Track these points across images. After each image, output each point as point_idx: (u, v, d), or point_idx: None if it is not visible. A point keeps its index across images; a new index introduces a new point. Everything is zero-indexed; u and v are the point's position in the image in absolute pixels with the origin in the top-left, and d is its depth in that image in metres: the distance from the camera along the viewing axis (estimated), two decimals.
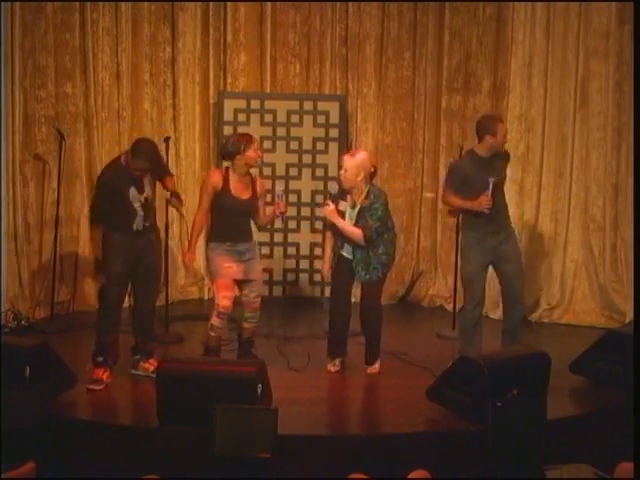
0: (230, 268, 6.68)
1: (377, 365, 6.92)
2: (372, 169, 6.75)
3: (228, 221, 6.69)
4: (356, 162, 6.65)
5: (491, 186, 6.63)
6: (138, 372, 6.71)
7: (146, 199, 6.57)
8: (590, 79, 8.52)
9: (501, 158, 6.86)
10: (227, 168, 6.78)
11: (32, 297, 8.32)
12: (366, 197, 6.68)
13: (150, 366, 6.63)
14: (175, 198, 6.82)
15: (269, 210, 6.98)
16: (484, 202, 6.62)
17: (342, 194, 6.77)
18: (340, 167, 6.75)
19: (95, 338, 6.60)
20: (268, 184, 7.94)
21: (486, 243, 6.74)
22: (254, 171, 7.04)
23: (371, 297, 6.87)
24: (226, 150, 6.76)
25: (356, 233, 6.67)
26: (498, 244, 6.77)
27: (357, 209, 6.70)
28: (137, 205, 6.51)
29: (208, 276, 6.96)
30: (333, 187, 6.80)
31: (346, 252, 6.80)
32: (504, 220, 6.86)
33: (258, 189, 6.80)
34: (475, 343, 6.77)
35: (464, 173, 6.75)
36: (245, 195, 6.73)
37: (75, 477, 5.47)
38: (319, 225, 8.93)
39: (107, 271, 6.51)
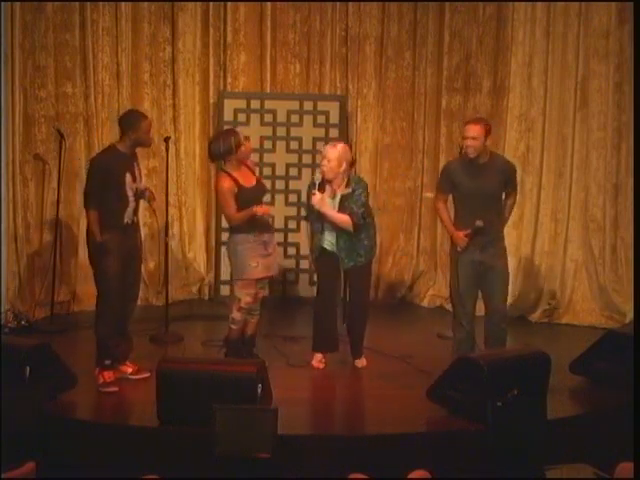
0: (256, 268, 6.66)
1: (363, 358, 6.96)
2: (352, 159, 6.82)
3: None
4: (338, 152, 6.68)
5: (475, 228, 6.45)
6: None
7: (137, 190, 6.45)
8: (590, 79, 8.52)
9: (500, 169, 6.61)
10: (226, 170, 6.74)
11: (32, 297, 8.32)
12: (347, 185, 6.71)
13: (128, 368, 6.55)
14: (148, 192, 6.61)
15: None
16: (459, 241, 6.54)
17: (322, 184, 6.74)
18: (323, 157, 6.74)
19: (97, 342, 6.46)
20: (268, 184, 7.91)
21: (473, 256, 6.56)
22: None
23: (359, 290, 6.89)
24: (218, 152, 6.71)
25: (345, 220, 6.67)
26: (485, 259, 6.57)
27: (338, 198, 6.71)
28: (130, 195, 6.38)
29: (232, 270, 6.82)
30: (317, 177, 6.76)
31: (327, 243, 6.78)
32: (495, 234, 6.61)
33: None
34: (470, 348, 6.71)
35: (452, 176, 6.62)
36: (253, 181, 6.80)
37: (75, 477, 5.47)
38: None
39: (106, 273, 6.36)
